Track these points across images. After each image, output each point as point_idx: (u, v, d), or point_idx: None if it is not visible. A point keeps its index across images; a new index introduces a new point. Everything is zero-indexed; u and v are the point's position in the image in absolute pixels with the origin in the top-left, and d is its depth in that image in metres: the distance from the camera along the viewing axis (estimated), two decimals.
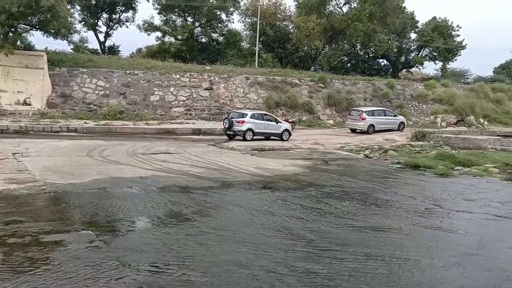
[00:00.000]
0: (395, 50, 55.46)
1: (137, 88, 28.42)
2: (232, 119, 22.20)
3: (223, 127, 22.77)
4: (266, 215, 8.03)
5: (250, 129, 22.03)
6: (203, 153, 16.47)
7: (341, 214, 8.21)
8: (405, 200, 9.68)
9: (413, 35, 56.99)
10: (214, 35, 50.39)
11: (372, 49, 53.77)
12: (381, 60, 58.41)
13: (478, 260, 5.94)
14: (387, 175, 13.39)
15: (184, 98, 29.30)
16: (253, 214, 8.07)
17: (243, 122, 21.99)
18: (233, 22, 50.41)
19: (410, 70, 60.35)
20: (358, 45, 53.33)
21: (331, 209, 8.60)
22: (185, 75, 30.26)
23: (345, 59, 56.93)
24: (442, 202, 9.46)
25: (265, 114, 24.12)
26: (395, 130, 28.48)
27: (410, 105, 36.50)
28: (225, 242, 6.38)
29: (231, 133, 22.42)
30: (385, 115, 29.10)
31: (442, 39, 54.54)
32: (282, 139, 22.77)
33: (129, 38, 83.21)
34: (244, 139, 21.70)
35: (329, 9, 44.13)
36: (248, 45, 51.41)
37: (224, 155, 16.65)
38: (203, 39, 50.21)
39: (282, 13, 48.61)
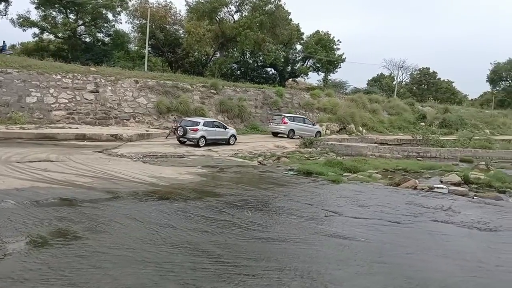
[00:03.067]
0: (282, 60, 57.58)
1: (10, 89, 25.42)
2: (186, 127, 23.04)
3: (176, 135, 23.44)
4: (167, 229, 7.44)
5: (203, 136, 23.18)
6: (90, 161, 15.12)
7: (246, 225, 7.94)
8: (305, 208, 9.74)
9: (298, 47, 59.76)
10: (100, 35, 47.51)
11: (261, 58, 55.21)
12: (269, 69, 60.21)
13: (384, 268, 6.06)
14: (283, 183, 13.52)
15: (66, 101, 26.95)
16: (152, 228, 7.43)
17: (196, 130, 23.03)
18: (121, 23, 48.03)
19: (296, 79, 63.15)
20: (248, 53, 54.36)
21: (234, 219, 8.29)
22: (68, 76, 27.87)
23: (235, 66, 57.65)
24: (339, 209, 9.70)
25: (214, 121, 25.56)
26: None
27: (298, 113, 37.94)
28: (124, 263, 5.69)
29: (185, 140, 23.19)
30: (304, 123, 30.92)
31: (324, 52, 58.01)
32: (229, 144, 24.40)
33: (0, 33, 75.04)
34: (197, 146, 22.61)
35: (221, 16, 44.36)
36: (136, 48, 49.51)
37: (114, 163, 15.46)
38: (87, 38, 47.09)
39: (173, 16, 47.65)
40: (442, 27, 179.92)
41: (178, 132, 23.21)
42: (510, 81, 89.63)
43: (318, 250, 6.69)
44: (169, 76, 34.84)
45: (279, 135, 29.48)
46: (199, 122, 23.49)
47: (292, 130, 29.38)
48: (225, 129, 25.05)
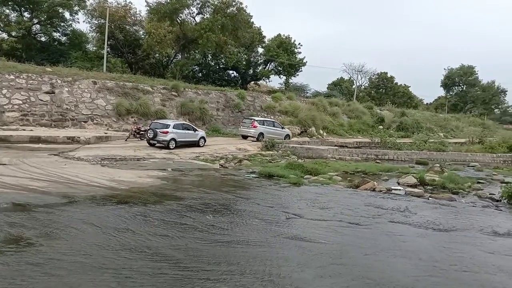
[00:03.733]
0: (244, 62, 57.71)
1: None
2: (156, 129, 23.15)
3: (146, 137, 23.68)
4: (126, 233, 7.27)
5: (173, 139, 23.36)
6: (45, 164, 14.59)
7: (207, 228, 7.86)
8: (266, 210, 9.76)
9: (260, 50, 60.08)
10: (56, 35, 46.18)
11: (223, 61, 55.12)
12: (231, 72, 60.19)
13: (344, 269, 6.14)
14: (245, 185, 13.51)
15: (20, 102, 25.95)
16: (110, 233, 7.24)
17: (167, 132, 23.17)
18: (78, 22, 46.75)
19: (258, 82, 63.42)
20: (209, 55, 54.17)
21: (195, 223, 8.19)
22: (21, 76, 26.86)
23: (197, 68, 57.28)
24: (300, 212, 9.77)
25: (184, 124, 25.79)
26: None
27: (259, 116, 38.08)
28: (80, 270, 5.51)
29: (155, 142, 23.22)
30: (274, 126, 31.60)
31: (286, 55, 58.59)
32: (199, 146, 24.89)
33: None
34: (168, 148, 22.79)
35: (182, 18, 43.98)
36: (95, 48, 48.33)
37: (71, 166, 14.97)
38: (43, 38, 45.61)
39: (133, 17, 46.86)
40: (400, 33, 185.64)
41: (148, 134, 23.31)
42: (462, 86, 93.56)
43: (279, 253, 6.70)
44: (129, 78, 34.20)
45: (248, 138, 29.92)
46: (169, 125, 23.67)
47: (261, 134, 29.86)
48: (194, 131, 25.41)
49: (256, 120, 30.77)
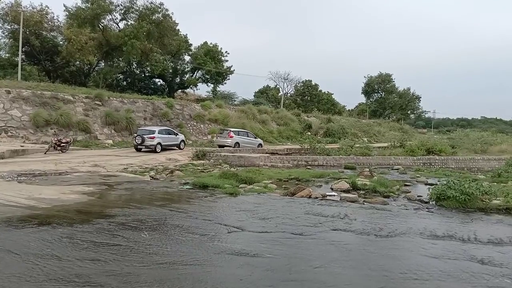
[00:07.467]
0: (170, 70, 56.64)
1: None
2: (144, 135, 26.45)
3: (134, 143, 27.06)
4: (50, 260, 6.41)
5: (159, 143, 26.80)
6: None
7: (143, 248, 7.20)
8: (206, 225, 9.25)
9: (187, 58, 59.34)
10: None
11: (148, 69, 53.68)
12: (157, 80, 58.84)
13: (296, 286, 5.80)
14: (179, 198, 12.87)
15: None
16: (32, 261, 6.34)
17: (153, 137, 26.50)
18: None
19: (185, 91, 62.50)
20: (134, 63, 52.50)
21: (130, 243, 7.49)
22: None
23: (121, 77, 55.27)
24: (241, 224, 9.36)
25: (167, 129, 29.42)
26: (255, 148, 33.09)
27: (189, 125, 37.35)
28: None
29: (143, 147, 26.50)
30: (247, 136, 34.29)
31: (213, 63, 58.27)
32: (180, 148, 28.92)
33: None
34: (155, 151, 26.17)
35: (104, 24, 42.16)
36: (8, 55, 44.93)
37: None
38: None
39: (50, 22, 44.21)
40: (322, 44, 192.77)
41: (136, 140, 26.61)
42: (381, 93, 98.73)
43: (227, 272, 6.23)
44: (47, 86, 32.05)
45: (224, 146, 31.89)
46: (155, 131, 27.25)
47: (237, 143, 32.38)
48: (176, 136, 29.12)
49: (232, 131, 33.31)
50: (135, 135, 27.30)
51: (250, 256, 6.98)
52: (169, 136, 28.35)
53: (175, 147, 28.70)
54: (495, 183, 17.38)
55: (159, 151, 26.40)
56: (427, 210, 12.17)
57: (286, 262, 6.70)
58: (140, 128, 28.72)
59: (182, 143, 29.37)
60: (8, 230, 8.15)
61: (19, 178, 15.21)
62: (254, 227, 9.18)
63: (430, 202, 13.27)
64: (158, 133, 27.05)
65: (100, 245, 7.30)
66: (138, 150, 26.57)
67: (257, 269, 6.37)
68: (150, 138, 26.41)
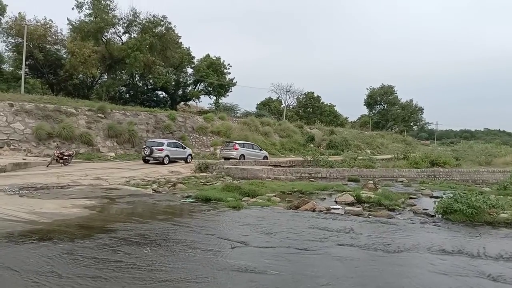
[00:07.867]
0: (173, 83, 56.78)
1: None
2: (152, 147, 26.97)
3: (143, 154, 27.57)
4: (50, 278, 6.25)
5: (167, 155, 27.36)
6: None
7: (146, 265, 7.04)
8: (209, 239, 9.08)
9: (189, 70, 59.51)
10: None
11: (151, 81, 53.82)
12: (160, 92, 58.94)
13: None
14: (182, 212, 12.72)
15: None
16: (31, 278, 6.19)
17: (162, 150, 27.09)
18: None
19: (188, 103, 62.58)
20: (137, 76, 52.67)
21: (132, 259, 7.32)
22: None
23: (124, 89, 55.41)
24: (245, 239, 9.20)
25: (175, 142, 30.05)
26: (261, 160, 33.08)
27: (191, 137, 37.28)
28: None
29: (151, 158, 27.07)
30: (253, 148, 34.31)
31: (216, 76, 58.41)
32: (187, 162, 28.99)
33: None
34: (162, 163, 26.62)
35: (108, 37, 42.38)
36: (11, 68, 45.14)
37: None
38: None
39: (54, 36, 44.42)
40: (323, 55, 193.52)
41: (145, 151, 27.13)
42: (383, 105, 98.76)
43: None
44: (50, 99, 32.08)
45: (229, 158, 31.91)
46: (164, 143, 27.90)
47: (243, 155, 32.25)
48: (184, 149, 29.62)
49: (237, 143, 33.31)
50: (144, 146, 27.85)
51: (255, 273, 6.81)
52: (177, 149, 28.87)
53: (181, 161, 28.96)
54: (502, 196, 17.16)
55: (166, 163, 26.88)
56: (433, 224, 11.96)
57: (292, 279, 6.53)
58: (149, 140, 29.57)
59: (189, 157, 29.67)
60: (8, 246, 8.00)
61: (20, 191, 15.08)
62: (258, 242, 9.01)
63: (437, 216, 13.06)
64: (167, 146, 27.63)
65: (101, 262, 7.14)
66: (146, 161, 27.00)
67: (262, 286, 6.20)
68: (159, 150, 26.95)
